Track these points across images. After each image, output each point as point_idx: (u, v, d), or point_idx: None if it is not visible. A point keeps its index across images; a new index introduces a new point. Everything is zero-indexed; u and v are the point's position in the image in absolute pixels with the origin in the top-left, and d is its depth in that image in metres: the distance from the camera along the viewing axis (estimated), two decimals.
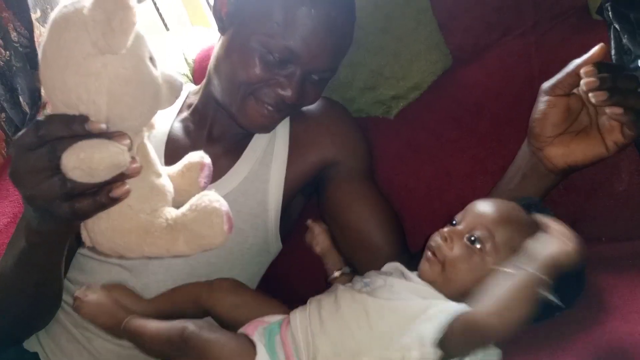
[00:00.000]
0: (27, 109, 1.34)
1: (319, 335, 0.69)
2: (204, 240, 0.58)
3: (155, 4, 1.58)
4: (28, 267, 0.69)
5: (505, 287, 0.60)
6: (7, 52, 1.30)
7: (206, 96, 0.91)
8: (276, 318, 0.76)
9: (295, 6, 0.74)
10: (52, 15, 0.52)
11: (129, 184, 0.55)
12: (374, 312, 0.68)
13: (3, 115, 1.38)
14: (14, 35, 1.28)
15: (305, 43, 0.76)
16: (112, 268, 0.85)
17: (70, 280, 0.88)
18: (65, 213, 0.53)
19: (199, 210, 0.58)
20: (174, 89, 0.59)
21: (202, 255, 0.86)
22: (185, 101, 0.97)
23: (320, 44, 0.77)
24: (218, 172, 0.89)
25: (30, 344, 0.89)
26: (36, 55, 1.28)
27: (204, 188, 0.65)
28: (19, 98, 1.34)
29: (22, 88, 1.33)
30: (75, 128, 0.51)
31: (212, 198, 0.59)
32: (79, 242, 0.60)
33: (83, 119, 0.51)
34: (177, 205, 0.61)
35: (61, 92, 0.52)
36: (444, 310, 0.64)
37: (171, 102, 0.60)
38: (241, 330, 0.76)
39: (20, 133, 0.54)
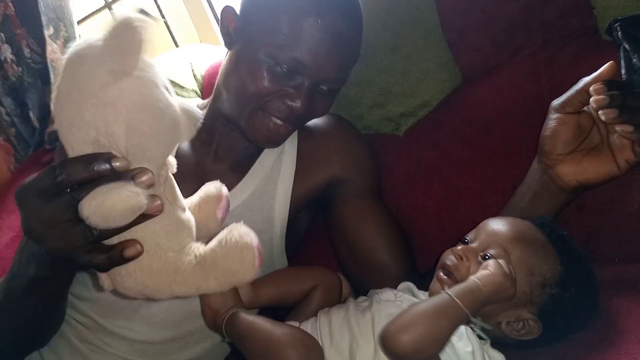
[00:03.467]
0: (36, 124, 1.35)
1: (328, 347, 0.68)
2: (235, 277, 0.58)
3: (165, 21, 1.61)
4: (36, 293, 0.68)
5: (421, 306, 0.62)
6: (20, 68, 1.32)
7: (214, 112, 0.91)
8: None
9: (302, 17, 0.75)
10: (65, 56, 0.51)
11: (157, 219, 0.54)
12: (380, 323, 0.67)
13: (13, 130, 1.39)
14: (26, 51, 1.30)
15: (312, 53, 0.76)
16: None
17: (74, 295, 0.87)
18: (84, 264, 0.53)
19: (230, 246, 0.57)
20: (193, 119, 0.57)
21: None
22: None
23: (328, 54, 0.77)
24: None
25: None
26: (47, 71, 1.30)
27: (221, 220, 0.64)
28: (29, 113, 1.35)
29: (32, 103, 1.34)
30: (98, 168, 0.49)
31: (242, 232, 0.58)
32: None
33: (105, 156, 0.50)
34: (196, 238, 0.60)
35: (79, 129, 0.50)
36: None
37: (191, 133, 0.57)
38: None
39: (29, 180, 0.51)
